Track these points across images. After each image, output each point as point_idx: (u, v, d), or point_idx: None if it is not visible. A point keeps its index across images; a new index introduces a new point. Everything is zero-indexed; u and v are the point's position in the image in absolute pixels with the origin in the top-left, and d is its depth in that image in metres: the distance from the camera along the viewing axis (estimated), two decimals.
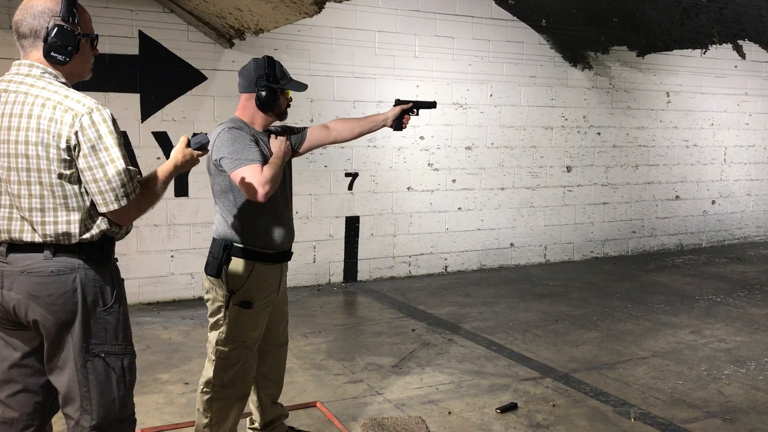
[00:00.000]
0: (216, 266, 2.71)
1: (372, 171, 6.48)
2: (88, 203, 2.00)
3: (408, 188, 6.70)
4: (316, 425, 3.41)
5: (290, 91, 2.86)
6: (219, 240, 2.74)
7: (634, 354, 4.56)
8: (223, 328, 2.76)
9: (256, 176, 2.53)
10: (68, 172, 1.96)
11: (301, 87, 2.85)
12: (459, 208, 6.99)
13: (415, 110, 3.19)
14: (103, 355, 2.05)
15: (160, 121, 5.53)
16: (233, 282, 2.73)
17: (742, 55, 8.44)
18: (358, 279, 6.54)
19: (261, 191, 2.53)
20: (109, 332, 2.06)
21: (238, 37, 5.53)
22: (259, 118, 2.80)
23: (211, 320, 2.82)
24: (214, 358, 2.79)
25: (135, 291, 5.51)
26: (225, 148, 2.62)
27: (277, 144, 2.75)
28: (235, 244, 2.73)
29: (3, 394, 2.12)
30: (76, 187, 1.98)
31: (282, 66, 2.83)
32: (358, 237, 6.50)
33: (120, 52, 5.32)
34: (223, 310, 2.75)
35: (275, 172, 2.60)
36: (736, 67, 8.58)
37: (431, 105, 3.29)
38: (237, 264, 2.73)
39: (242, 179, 2.55)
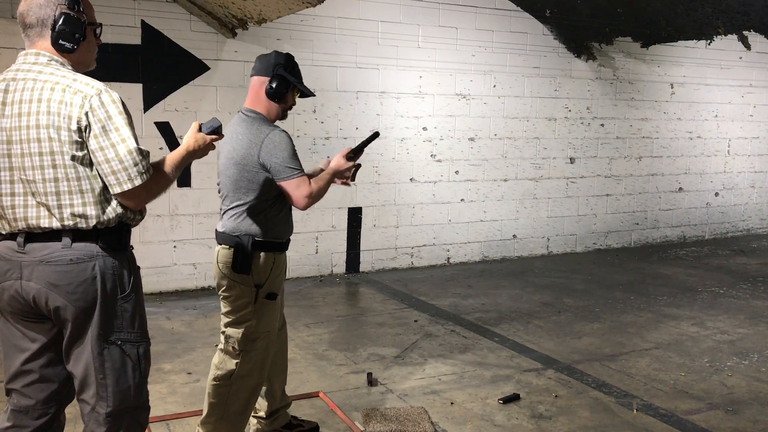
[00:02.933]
0: (246, 263, 2.71)
1: (375, 162, 6.47)
2: (102, 185, 2.00)
3: (411, 179, 6.69)
4: (318, 415, 3.42)
5: (297, 93, 2.86)
6: (244, 236, 2.72)
7: (636, 345, 4.55)
8: (251, 322, 2.76)
9: (304, 189, 2.69)
10: (80, 153, 1.97)
11: (310, 93, 2.88)
12: (462, 200, 6.98)
13: (361, 149, 2.93)
14: (119, 342, 2.06)
15: (162, 111, 5.52)
16: (259, 276, 2.74)
17: (748, 47, 8.40)
18: (361, 270, 6.54)
19: (306, 203, 2.71)
20: (126, 320, 2.07)
21: (240, 26, 5.51)
22: (273, 111, 2.81)
23: (233, 317, 2.79)
24: (239, 351, 2.78)
25: None
26: (279, 153, 2.66)
27: (337, 160, 2.84)
28: (257, 239, 2.74)
29: (19, 384, 2.13)
30: (88, 169, 1.99)
31: (299, 68, 2.87)
32: (360, 228, 6.50)
33: (122, 42, 5.30)
34: (250, 305, 2.75)
35: (320, 186, 2.75)
36: (741, 58, 8.53)
37: (373, 137, 2.97)
38: (262, 258, 2.75)
39: (291, 189, 2.68)
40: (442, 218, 6.90)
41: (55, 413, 2.17)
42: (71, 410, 2.33)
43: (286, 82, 2.76)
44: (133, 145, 1.97)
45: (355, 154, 2.91)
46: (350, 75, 6.25)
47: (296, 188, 2.68)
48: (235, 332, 2.78)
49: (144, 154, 2.00)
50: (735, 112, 8.71)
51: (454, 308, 5.39)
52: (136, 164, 1.97)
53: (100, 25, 2.14)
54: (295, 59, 2.88)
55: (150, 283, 5.65)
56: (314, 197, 2.73)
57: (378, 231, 6.59)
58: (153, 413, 3.37)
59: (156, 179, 2.04)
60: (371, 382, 3.86)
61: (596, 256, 7.57)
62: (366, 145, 2.96)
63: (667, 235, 8.41)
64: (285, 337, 3.15)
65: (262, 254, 2.74)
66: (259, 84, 2.79)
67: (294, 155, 2.71)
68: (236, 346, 2.78)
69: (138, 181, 1.98)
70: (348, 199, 6.41)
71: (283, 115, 2.87)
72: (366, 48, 6.29)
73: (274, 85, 2.75)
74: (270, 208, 2.77)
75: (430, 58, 6.60)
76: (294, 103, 2.89)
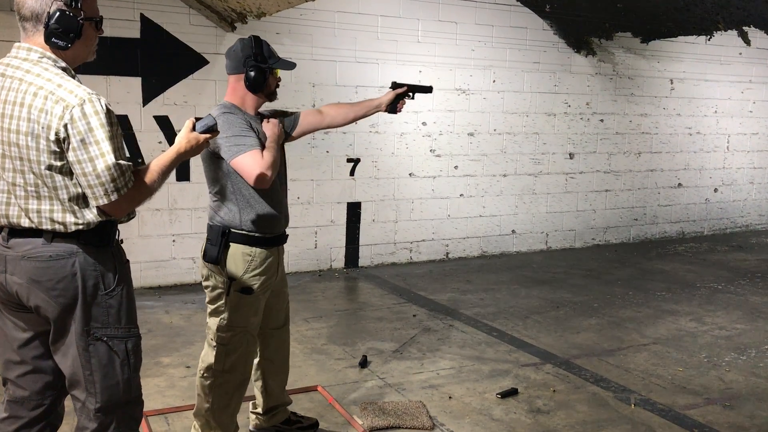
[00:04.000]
0: (215, 253, 2.69)
1: (374, 157, 6.46)
2: (81, 194, 1.97)
3: (410, 174, 6.68)
4: (317, 409, 3.42)
5: (279, 71, 2.83)
6: (216, 226, 2.72)
7: (634, 341, 4.56)
8: (224, 315, 2.75)
9: (257, 162, 2.54)
10: (58, 163, 1.92)
11: (290, 66, 2.82)
12: (461, 195, 6.98)
13: (410, 94, 3.13)
14: (105, 338, 2.04)
15: (161, 105, 5.51)
16: (233, 268, 2.72)
17: (747, 42, 8.39)
18: (360, 265, 6.55)
19: (263, 177, 2.54)
20: (112, 316, 2.05)
21: (239, 20, 5.50)
22: (250, 100, 2.77)
23: (211, 307, 2.81)
24: (215, 344, 2.78)
25: (137, 275, 5.52)
26: (221, 134, 2.59)
27: (270, 127, 2.73)
28: (233, 230, 2.71)
29: (13, 374, 2.13)
30: (67, 178, 1.95)
31: (269, 45, 2.80)
32: (359, 223, 6.50)
33: (121, 36, 5.29)
34: (223, 296, 2.74)
35: (273, 156, 2.60)
36: (740, 54, 8.52)
37: (427, 89, 3.21)
38: (236, 250, 2.71)
39: (243, 166, 2.55)
40: (441, 213, 6.90)
41: (51, 404, 2.17)
42: (69, 403, 2.32)
43: (261, 70, 2.72)
44: (111, 160, 1.90)
45: (399, 88, 2.99)
46: (349, 69, 6.24)
47: (248, 164, 2.54)
48: (213, 323, 2.79)
49: (123, 169, 1.93)
50: (734, 108, 8.71)
51: (453, 303, 5.40)
52: (113, 180, 1.92)
53: (101, 18, 2.08)
54: (289, 51, 2.86)
55: (149, 276, 5.65)
56: (269, 168, 2.55)
57: (377, 226, 6.60)
58: (152, 406, 3.38)
59: (138, 189, 1.99)
60: (363, 364, 3.94)
61: (595, 251, 7.57)
62: (414, 90, 3.03)
63: (666, 230, 8.42)
64: (286, 336, 3.11)
65: (239, 246, 2.71)
66: (235, 80, 2.77)
67: (241, 132, 2.60)
68: (212, 338, 2.79)
69: (114, 197, 1.93)
70: (347, 193, 6.41)
71: (270, 98, 2.84)
72: (365, 42, 6.28)
73: (250, 79, 2.71)
74: (239, 198, 2.71)
75: (429, 52, 6.59)
76: (278, 84, 2.85)
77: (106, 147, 1.90)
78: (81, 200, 1.97)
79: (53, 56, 1.98)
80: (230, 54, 2.78)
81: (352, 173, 6.40)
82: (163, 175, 2.04)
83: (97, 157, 1.90)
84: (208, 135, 2.13)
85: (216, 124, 2.15)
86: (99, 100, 1.93)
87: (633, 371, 4.01)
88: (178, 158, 2.08)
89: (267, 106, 3.01)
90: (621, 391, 3.72)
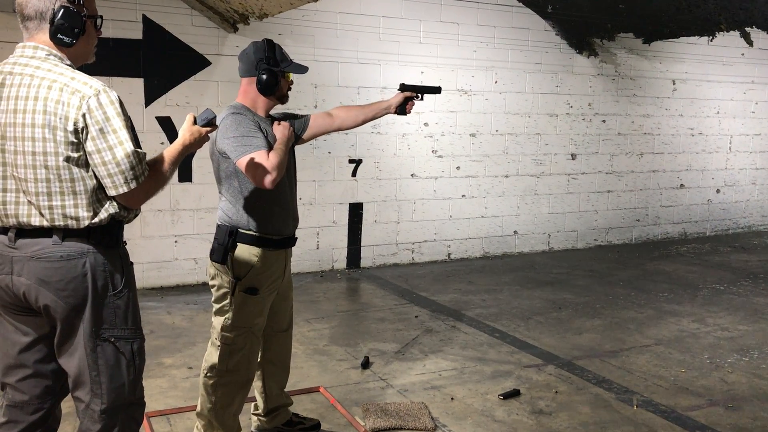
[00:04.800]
0: (222, 253, 2.70)
1: (376, 158, 6.46)
2: (95, 186, 1.99)
3: (412, 175, 6.68)
4: (319, 410, 3.42)
5: (291, 74, 2.85)
6: (224, 226, 2.74)
7: (637, 342, 4.56)
8: (228, 314, 2.76)
9: (263, 163, 2.54)
10: (76, 155, 1.94)
11: (302, 69, 2.84)
12: (463, 196, 6.98)
13: (419, 96, 3.17)
14: (113, 339, 2.05)
15: (164, 106, 5.52)
16: (239, 268, 2.72)
17: (750, 43, 8.37)
18: (362, 265, 6.55)
19: (268, 178, 2.54)
20: (119, 317, 2.06)
21: (242, 21, 5.50)
22: (261, 103, 2.79)
23: (216, 306, 2.82)
24: (219, 343, 2.79)
25: (139, 276, 5.50)
26: (229, 134, 2.61)
27: (280, 129, 2.75)
28: (241, 231, 2.72)
29: (13, 379, 2.13)
30: (83, 170, 1.97)
31: (282, 49, 2.82)
32: (361, 223, 6.50)
33: (123, 37, 5.30)
34: (229, 296, 2.75)
35: (281, 158, 2.60)
36: (743, 54, 8.51)
37: (436, 90, 3.27)
38: (243, 250, 2.72)
39: (248, 166, 2.55)
40: (443, 214, 6.90)
41: (50, 408, 2.17)
42: (66, 406, 2.32)
43: (273, 74, 2.74)
44: (130, 148, 1.95)
45: (408, 90, 3.06)
46: (351, 70, 6.24)
47: (253, 165, 2.53)
48: (217, 322, 2.80)
49: (141, 157, 1.98)
50: (737, 108, 8.70)
51: (455, 304, 5.40)
52: (132, 168, 1.96)
53: (101, 17, 2.11)
54: (291, 52, 2.87)
55: (151, 277, 5.65)
56: (275, 169, 2.53)
57: (379, 226, 6.60)
58: (154, 407, 3.38)
59: (153, 178, 2.04)
60: (365, 365, 3.95)
61: (597, 252, 7.57)
62: (422, 92, 3.07)
63: (668, 231, 8.41)
64: (289, 339, 3.11)
65: (246, 247, 2.71)
66: (247, 83, 2.79)
67: (248, 133, 2.59)
68: (216, 337, 2.79)
69: (134, 185, 1.97)
70: (349, 194, 6.41)
71: (282, 101, 2.86)
72: (367, 43, 6.28)
73: (262, 82, 2.72)
74: (247, 198, 2.72)
75: (431, 53, 6.59)
76: (290, 87, 2.87)
77: (124, 135, 1.95)
78: (95, 193, 1.99)
79: (59, 53, 2.01)
80: (243, 57, 2.80)
81: (354, 174, 6.40)
82: (173, 165, 2.10)
83: (116, 145, 1.93)
84: (209, 128, 2.19)
85: (215, 117, 2.22)
86: (112, 90, 1.98)
87: (635, 372, 4.01)
88: (184, 150, 2.13)
89: (277, 109, 3.02)
90: (623, 393, 3.71)
